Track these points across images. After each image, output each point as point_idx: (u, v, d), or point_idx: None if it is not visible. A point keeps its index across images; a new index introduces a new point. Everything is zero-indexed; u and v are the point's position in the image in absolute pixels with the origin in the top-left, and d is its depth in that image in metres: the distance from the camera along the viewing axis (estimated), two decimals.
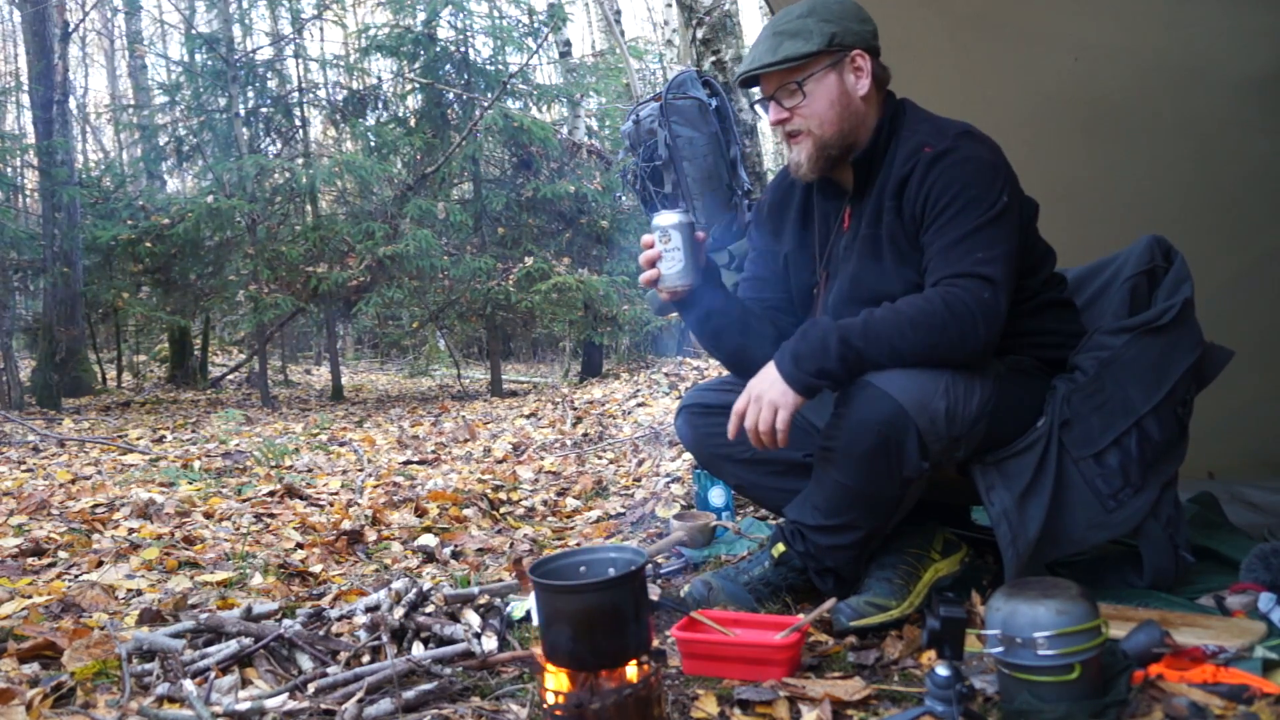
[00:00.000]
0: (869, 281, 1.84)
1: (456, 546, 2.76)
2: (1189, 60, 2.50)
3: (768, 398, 1.71)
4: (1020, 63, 2.69)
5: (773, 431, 1.71)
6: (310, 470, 4.42)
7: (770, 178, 3.58)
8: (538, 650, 1.39)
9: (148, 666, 1.69)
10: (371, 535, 2.91)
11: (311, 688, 1.61)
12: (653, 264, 1.82)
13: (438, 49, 9.64)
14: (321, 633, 1.86)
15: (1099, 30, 2.56)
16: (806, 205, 2.02)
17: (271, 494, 3.60)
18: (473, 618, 1.83)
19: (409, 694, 1.54)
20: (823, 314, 1.94)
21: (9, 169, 10.07)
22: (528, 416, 6.67)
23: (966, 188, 1.74)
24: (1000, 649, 1.35)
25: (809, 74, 1.83)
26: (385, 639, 1.76)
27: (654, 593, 2.03)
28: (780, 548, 1.86)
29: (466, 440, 5.55)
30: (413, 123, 9.92)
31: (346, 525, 2.97)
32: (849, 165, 1.89)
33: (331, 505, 3.43)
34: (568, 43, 10.84)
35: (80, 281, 9.55)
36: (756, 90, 1.94)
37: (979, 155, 1.78)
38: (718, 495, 2.73)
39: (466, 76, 9.69)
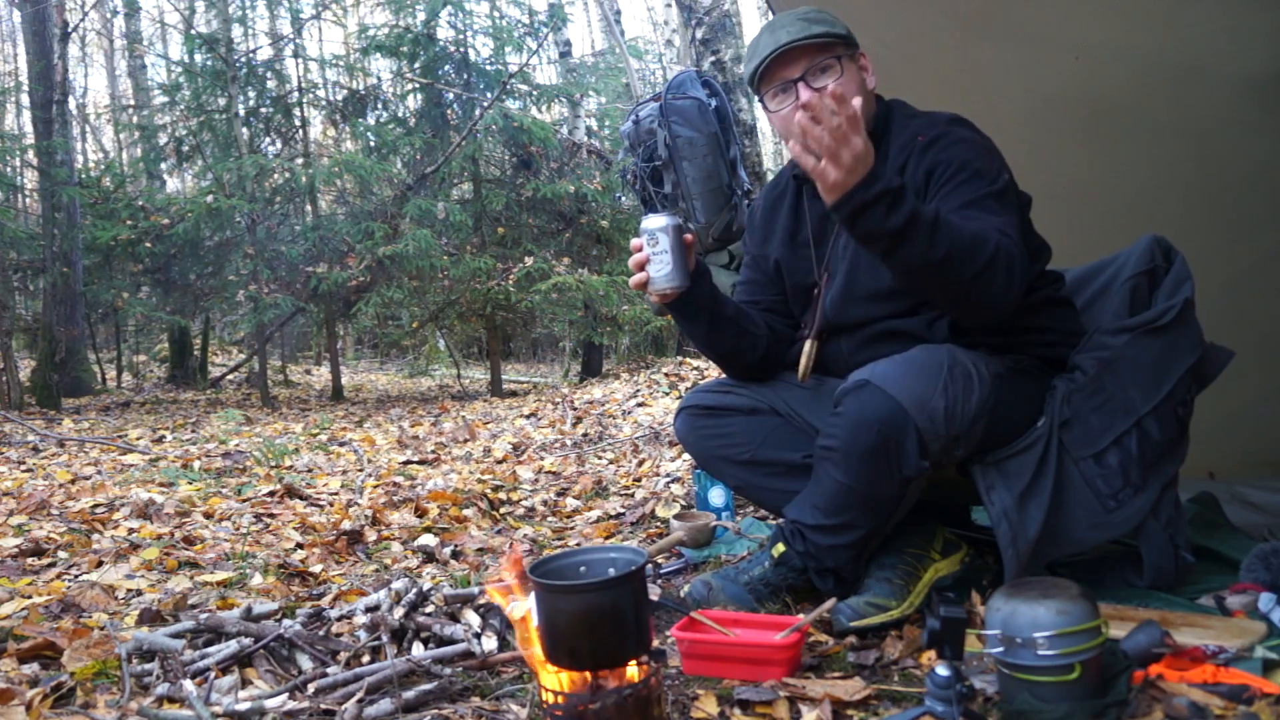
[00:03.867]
0: (865, 277, 1.85)
1: (456, 546, 2.76)
2: (1189, 60, 2.50)
3: (842, 151, 1.50)
4: (1020, 62, 2.68)
5: (829, 131, 1.49)
6: (310, 470, 4.42)
7: (770, 178, 3.59)
8: (537, 650, 1.39)
9: (148, 666, 1.69)
10: (371, 535, 2.91)
11: (311, 688, 1.61)
12: (642, 267, 1.83)
13: (437, 49, 9.63)
14: (321, 633, 1.86)
15: (1099, 30, 2.56)
16: (796, 210, 2.02)
17: (271, 494, 3.60)
18: (473, 618, 1.83)
19: (409, 694, 1.54)
20: (824, 314, 1.94)
21: (9, 169, 10.07)
22: (528, 416, 6.67)
23: (969, 162, 1.75)
24: (1000, 649, 1.35)
25: (841, 55, 1.85)
26: (385, 639, 1.76)
27: (654, 593, 2.04)
28: (780, 548, 1.86)
29: (466, 440, 5.55)
30: (413, 123, 9.92)
31: (346, 525, 2.97)
32: None
33: (331, 505, 3.42)
34: (568, 43, 10.84)
35: (80, 281, 9.55)
36: (751, 90, 1.95)
37: (973, 137, 1.81)
38: (718, 495, 2.73)
39: (466, 76, 9.69)
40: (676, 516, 2.59)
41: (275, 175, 9.37)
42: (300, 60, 10.78)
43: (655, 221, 1.80)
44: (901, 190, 1.56)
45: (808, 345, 1.94)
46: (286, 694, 1.58)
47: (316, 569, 2.52)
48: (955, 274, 1.60)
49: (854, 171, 1.52)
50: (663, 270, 1.81)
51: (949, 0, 2.68)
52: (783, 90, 1.86)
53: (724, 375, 2.12)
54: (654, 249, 1.80)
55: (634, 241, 1.84)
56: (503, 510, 3.35)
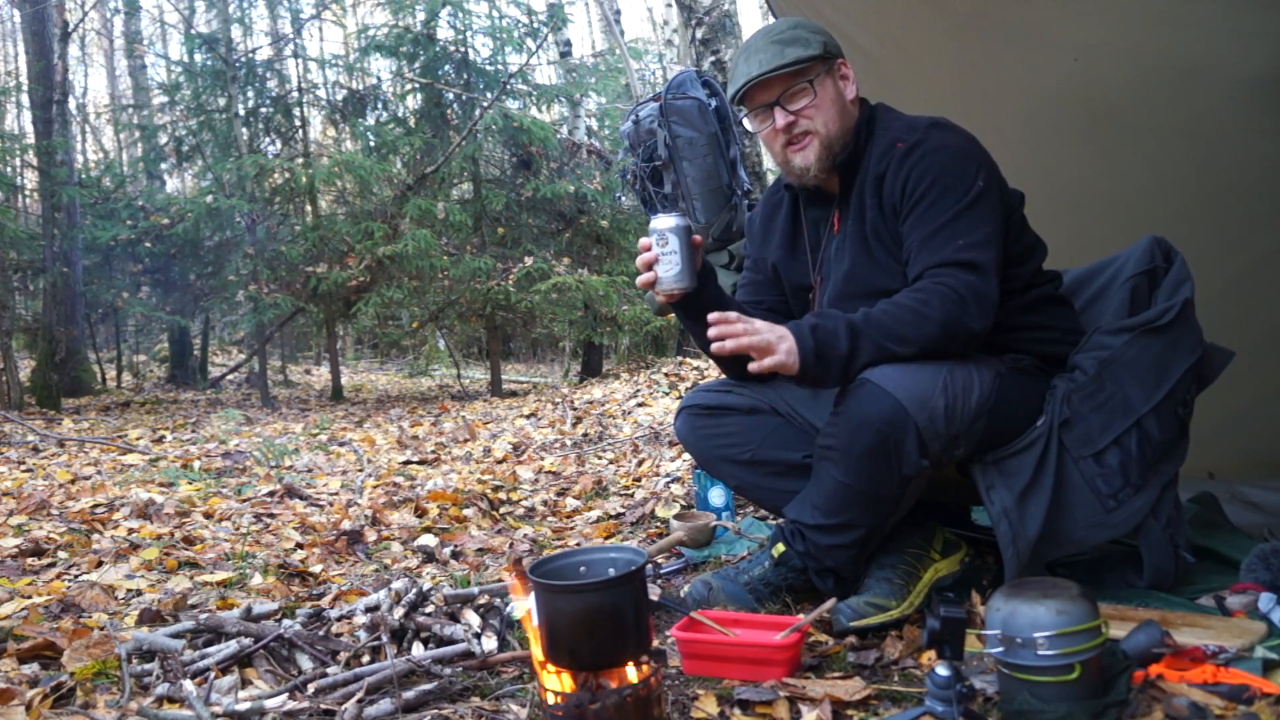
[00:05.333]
0: (861, 276, 1.86)
1: (456, 546, 2.76)
2: (1189, 61, 2.50)
3: (776, 342, 1.66)
4: (1020, 63, 2.68)
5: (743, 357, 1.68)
6: (310, 470, 4.42)
7: (770, 178, 3.58)
8: (537, 651, 1.39)
9: (148, 666, 1.69)
10: (371, 535, 2.91)
11: (311, 688, 1.61)
12: (650, 267, 1.83)
13: (437, 49, 9.63)
14: (321, 633, 1.86)
15: (1098, 31, 2.56)
16: (794, 216, 2.05)
17: (271, 494, 3.60)
18: (473, 618, 1.83)
19: (409, 694, 1.54)
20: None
21: (9, 169, 10.07)
22: (528, 416, 6.67)
23: (940, 176, 1.76)
24: (1000, 649, 1.35)
25: (814, 75, 1.87)
26: (385, 639, 1.76)
27: (654, 593, 2.04)
28: (780, 548, 1.87)
29: (466, 440, 5.55)
30: (413, 123, 9.91)
31: (346, 525, 2.97)
32: (836, 170, 1.91)
33: (331, 505, 3.43)
34: (568, 43, 10.84)
35: (80, 281, 9.55)
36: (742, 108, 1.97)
37: (950, 143, 1.81)
38: (718, 495, 2.73)
39: (466, 76, 9.69)
40: (676, 516, 2.59)
41: (275, 175, 9.36)
42: (300, 60, 10.78)
43: (665, 222, 1.81)
44: (824, 321, 1.70)
45: None
46: (286, 694, 1.58)
47: (316, 569, 2.52)
48: (914, 344, 1.69)
49: (782, 342, 1.66)
50: (671, 271, 1.81)
51: (946, 1, 2.68)
52: (762, 112, 1.90)
53: (725, 375, 2.13)
54: (663, 249, 1.81)
55: (642, 241, 1.84)
56: (503, 510, 3.35)
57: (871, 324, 1.70)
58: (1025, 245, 1.90)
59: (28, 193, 11.56)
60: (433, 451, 5.06)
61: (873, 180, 1.85)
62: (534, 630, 1.40)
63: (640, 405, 6.58)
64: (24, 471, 4.57)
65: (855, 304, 1.80)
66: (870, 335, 1.69)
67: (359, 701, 1.52)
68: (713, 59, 5.20)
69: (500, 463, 4.52)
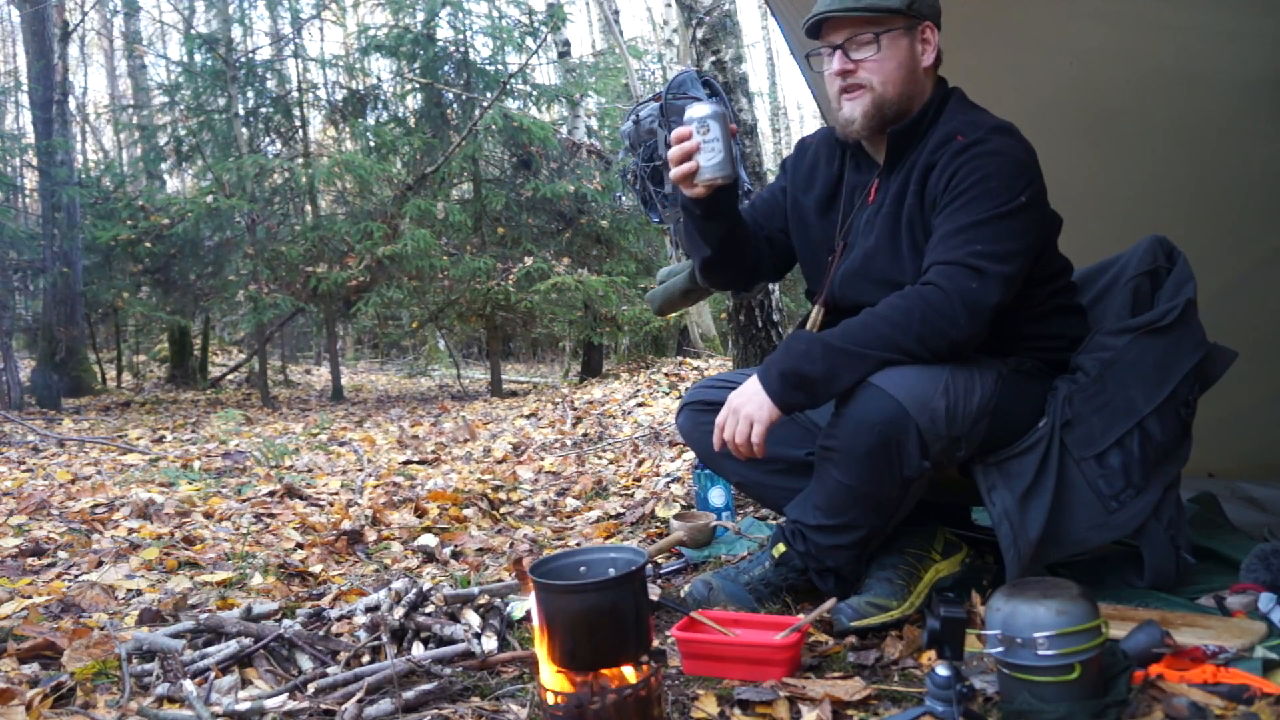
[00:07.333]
0: (881, 262, 1.83)
1: (456, 546, 2.76)
2: (1187, 64, 2.50)
3: (744, 411, 1.72)
4: (1017, 66, 2.68)
5: (749, 445, 1.71)
6: (310, 470, 4.42)
7: (770, 178, 3.58)
8: (537, 650, 1.39)
9: (148, 666, 1.69)
10: (371, 535, 2.91)
11: (311, 688, 1.61)
12: (689, 156, 1.77)
13: (437, 49, 9.64)
14: (321, 633, 1.86)
15: (1096, 34, 2.56)
16: (840, 174, 2.00)
17: (271, 494, 3.60)
18: (473, 618, 1.83)
19: (409, 694, 1.54)
20: (831, 286, 1.93)
21: (9, 169, 10.07)
22: (528, 416, 6.67)
23: (986, 178, 1.72)
24: (1000, 649, 1.35)
25: (886, 29, 1.81)
26: (385, 639, 1.76)
27: (654, 593, 2.04)
28: (781, 548, 1.86)
29: (466, 440, 5.55)
30: (412, 123, 9.92)
31: (346, 525, 2.97)
32: (884, 137, 1.86)
33: (331, 505, 3.42)
34: (567, 43, 10.84)
35: (80, 281, 9.56)
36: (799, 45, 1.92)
37: (1008, 150, 1.76)
38: (718, 495, 2.73)
39: (466, 76, 9.70)
40: (676, 516, 2.59)
41: (275, 175, 9.37)
42: (300, 60, 10.79)
43: (703, 109, 1.73)
44: (782, 368, 1.70)
45: (815, 310, 1.95)
46: (286, 694, 1.58)
47: (316, 569, 2.52)
48: (892, 345, 1.67)
49: (760, 411, 1.70)
50: (714, 159, 1.74)
51: (943, 3, 2.68)
52: (828, 51, 1.85)
53: (727, 371, 2.13)
54: (705, 137, 1.74)
55: (679, 130, 1.78)
56: (503, 510, 3.35)
57: (849, 335, 1.69)
58: (1054, 269, 1.89)
59: (28, 193, 11.57)
60: (433, 451, 5.06)
61: (923, 168, 1.80)
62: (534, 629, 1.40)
63: (640, 405, 6.58)
64: (24, 471, 4.57)
65: (870, 288, 1.79)
66: (846, 346, 1.68)
67: (359, 701, 1.52)
68: (713, 59, 5.20)
69: (500, 463, 4.52)
